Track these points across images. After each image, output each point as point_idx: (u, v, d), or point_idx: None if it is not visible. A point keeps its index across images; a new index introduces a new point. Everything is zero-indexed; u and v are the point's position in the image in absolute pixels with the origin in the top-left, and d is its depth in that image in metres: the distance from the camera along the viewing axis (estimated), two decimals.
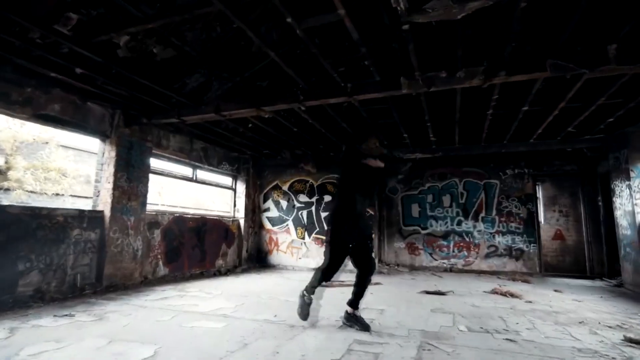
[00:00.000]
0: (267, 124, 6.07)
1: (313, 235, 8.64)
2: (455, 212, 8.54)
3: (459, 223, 8.48)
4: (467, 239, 8.39)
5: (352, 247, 3.32)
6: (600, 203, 7.57)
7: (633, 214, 5.73)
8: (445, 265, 8.47)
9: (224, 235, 7.96)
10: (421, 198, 8.82)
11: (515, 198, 8.16)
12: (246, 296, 4.93)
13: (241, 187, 8.78)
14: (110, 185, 5.33)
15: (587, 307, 4.50)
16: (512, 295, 5.19)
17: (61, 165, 10.71)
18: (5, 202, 8.51)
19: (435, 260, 8.59)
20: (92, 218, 5.13)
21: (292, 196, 8.93)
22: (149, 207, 6.02)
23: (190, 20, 3.42)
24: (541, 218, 8.69)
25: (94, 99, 5.14)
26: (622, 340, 3.08)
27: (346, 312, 3.37)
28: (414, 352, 2.72)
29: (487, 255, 8.22)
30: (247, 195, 8.80)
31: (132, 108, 5.45)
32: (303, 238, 8.70)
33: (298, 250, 8.71)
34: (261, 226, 9.15)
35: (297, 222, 8.81)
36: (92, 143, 5.78)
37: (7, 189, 9.44)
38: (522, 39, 3.36)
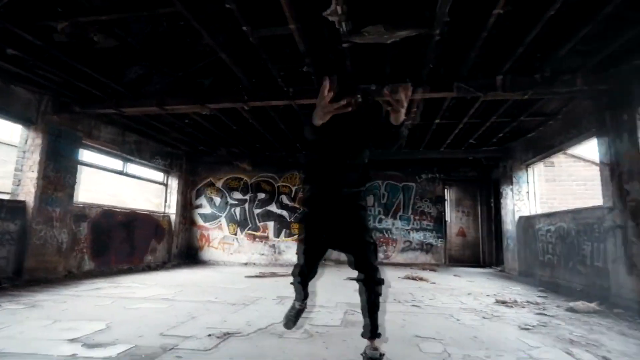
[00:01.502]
0: (206, 120, 6.24)
1: (246, 231, 8.88)
2: (377, 211, 9.46)
3: (380, 221, 9.42)
4: (387, 236, 9.36)
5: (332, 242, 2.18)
6: (492, 204, 9.07)
7: (513, 212, 7.09)
8: None
9: (154, 230, 7.82)
10: None
11: (428, 199, 9.34)
12: (183, 285, 5.06)
13: (173, 183, 8.67)
14: (34, 175, 5.04)
15: (475, 285, 5.54)
16: (421, 279, 6.10)
17: None
18: None
19: None
20: (11, 208, 4.81)
21: (226, 193, 9.07)
22: (77, 199, 5.77)
23: (147, 16, 3.56)
24: (448, 217, 10.04)
25: (20, 82, 4.85)
26: (494, 302, 4.00)
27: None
28: (341, 315, 3.27)
29: (403, 250, 9.27)
30: (180, 191, 8.72)
31: (64, 95, 5.23)
32: (235, 234, 8.89)
33: (230, 246, 8.87)
34: (193, 222, 9.11)
35: (230, 219, 8.97)
36: (12, 128, 5.37)
37: None
38: (437, 64, 4.15)
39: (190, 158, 8.91)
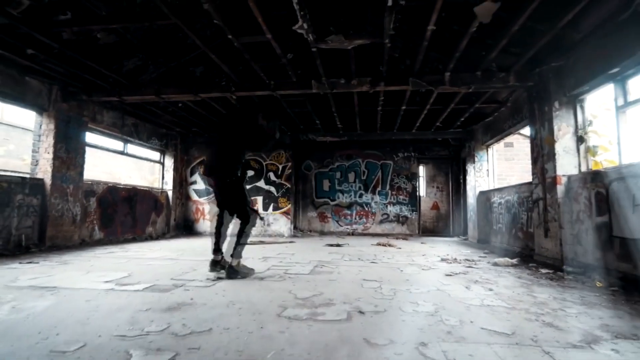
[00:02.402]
0: (198, 105, 6.94)
1: None
2: (357, 187, 10.36)
3: (360, 196, 10.34)
4: (366, 209, 10.31)
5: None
6: (461, 181, 10.00)
7: (475, 188, 8.02)
8: (348, 230, 10.31)
9: (153, 205, 8.63)
10: (331, 175, 10.47)
11: (404, 176, 10.24)
12: (184, 250, 5.95)
13: (169, 162, 9.41)
14: (50, 156, 5.78)
15: (433, 250, 6.51)
16: (390, 245, 7.06)
17: None
18: None
19: (341, 226, 10.38)
20: (33, 185, 5.58)
21: None
22: (85, 177, 6.53)
23: (148, 26, 4.24)
24: (422, 192, 10.99)
25: (33, 74, 5.49)
26: (439, 260, 4.96)
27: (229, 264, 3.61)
28: (311, 268, 4.18)
29: (381, 222, 10.25)
30: (175, 169, 9.48)
31: (71, 85, 5.89)
32: None
33: None
34: (188, 197, 9.93)
35: None
36: (26, 115, 6.04)
37: None
38: (394, 62, 4.90)
39: (184, 139, 9.62)
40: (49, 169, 5.74)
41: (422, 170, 10.66)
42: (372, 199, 10.31)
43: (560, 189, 4.53)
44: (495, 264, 4.65)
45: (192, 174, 9.96)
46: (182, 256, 5.11)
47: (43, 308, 2.44)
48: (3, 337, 1.88)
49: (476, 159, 8.01)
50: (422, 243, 7.86)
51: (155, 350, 1.72)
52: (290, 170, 9.66)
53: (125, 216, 7.62)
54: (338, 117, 7.30)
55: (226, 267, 3.59)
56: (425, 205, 11.17)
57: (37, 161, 5.78)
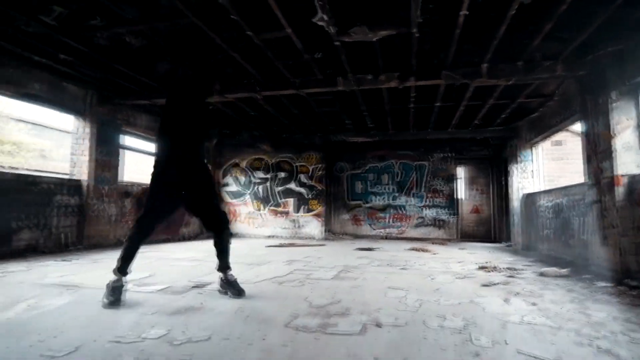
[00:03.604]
0: (228, 107, 6.96)
1: (269, 207, 9.72)
2: (392, 189, 9.98)
3: (395, 198, 9.95)
4: (401, 212, 9.90)
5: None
6: (503, 183, 9.32)
7: (519, 190, 7.40)
8: (382, 233, 9.95)
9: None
10: (364, 176, 10.17)
11: (440, 178, 9.73)
12: (212, 251, 5.90)
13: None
14: (87, 158, 6.02)
15: (472, 256, 6.04)
16: (424, 250, 6.66)
17: (17, 139, 10.79)
18: None
19: (375, 229, 10.04)
20: (71, 186, 5.83)
21: (250, 173, 9.91)
22: (121, 179, 6.75)
23: (169, 25, 4.25)
24: (462, 195, 10.39)
25: (70, 79, 5.75)
26: (477, 268, 4.54)
27: (220, 278, 2.95)
28: (335, 273, 3.95)
29: (417, 225, 9.79)
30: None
31: (106, 89, 6.10)
32: (260, 210, 9.75)
33: (255, 221, 9.77)
34: (221, 199, 10.04)
35: (255, 196, 9.83)
36: (62, 118, 6.36)
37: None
38: (425, 55, 4.58)
39: (217, 141, 9.77)
40: (86, 171, 5.98)
41: (460, 171, 10.08)
42: (407, 201, 9.88)
43: (619, 190, 3.97)
44: (542, 275, 4.17)
45: (224, 176, 10.08)
46: (208, 257, 5.07)
47: (55, 307, 2.43)
48: (3, 337, 1.85)
49: (520, 159, 7.39)
50: (460, 249, 7.36)
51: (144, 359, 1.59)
52: (321, 172, 9.49)
53: None
54: (368, 116, 7.03)
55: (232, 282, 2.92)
56: (465, 208, 10.55)
57: (75, 163, 6.04)
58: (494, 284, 3.56)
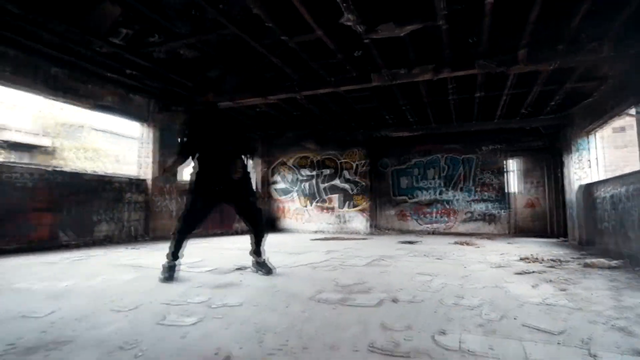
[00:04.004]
0: (273, 108, 7.40)
1: (315, 203, 10.07)
2: (438, 184, 9.83)
3: (441, 193, 9.78)
4: (448, 207, 9.71)
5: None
6: (560, 174, 8.75)
7: (575, 181, 6.95)
8: (429, 229, 9.83)
9: None
10: (409, 171, 10.12)
11: (490, 171, 9.39)
12: None
13: (252, 163, 10.20)
14: (150, 160, 6.79)
15: (518, 249, 5.83)
16: (468, 244, 6.55)
17: (97, 146, 12.31)
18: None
19: (421, 225, 9.95)
20: (138, 184, 6.62)
21: (297, 170, 10.33)
22: (180, 178, 7.48)
23: (216, 35, 4.72)
24: (514, 188, 9.90)
25: (136, 91, 6.54)
26: (517, 259, 4.44)
27: (252, 261, 3.41)
28: (369, 261, 4.14)
29: (465, 220, 9.55)
30: (258, 170, 10.24)
31: (165, 98, 6.83)
32: (306, 206, 10.14)
33: (302, 216, 10.17)
34: (270, 196, 10.61)
35: (301, 193, 10.24)
36: (132, 126, 7.21)
37: (56, 167, 11.06)
38: (457, 45, 4.58)
39: (264, 141, 10.34)
40: (150, 171, 6.74)
41: (512, 164, 9.62)
42: (455, 196, 9.67)
43: None
44: (587, 265, 3.99)
45: (272, 174, 10.62)
46: None
47: (123, 281, 2.92)
48: (86, 297, 2.32)
49: (575, 148, 6.93)
50: (508, 243, 7.10)
51: (186, 315, 1.94)
52: (364, 168, 9.63)
53: (215, 212, 8.44)
54: (408, 110, 7.06)
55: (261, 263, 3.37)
56: (519, 202, 10.04)
57: (141, 165, 6.84)
58: (529, 273, 3.51)
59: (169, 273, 2.93)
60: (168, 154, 7.03)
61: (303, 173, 10.27)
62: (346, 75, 5.40)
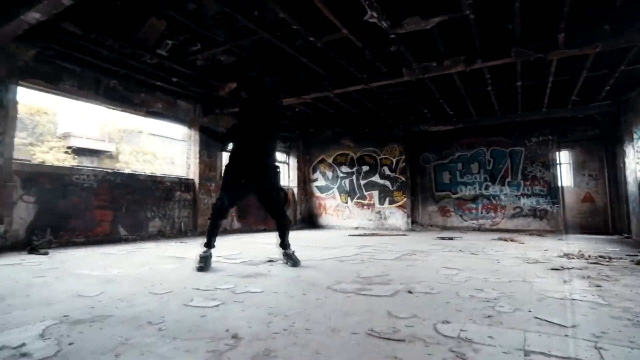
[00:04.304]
0: (308, 107, 7.59)
1: (354, 200, 10.14)
2: (482, 178, 9.44)
3: (487, 188, 9.38)
4: (494, 202, 9.29)
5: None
6: (622, 165, 8.01)
7: (635, 172, 6.36)
8: (474, 225, 9.48)
9: None
10: (451, 166, 9.82)
11: (539, 163, 8.83)
12: (297, 238, 6.58)
13: (293, 162, 10.51)
14: (196, 161, 7.29)
15: (566, 246, 5.48)
16: (512, 240, 6.26)
17: (153, 149, 13.38)
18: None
19: (465, 221, 9.63)
20: (186, 184, 7.14)
21: (336, 167, 10.46)
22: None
23: (251, 40, 4.98)
24: (568, 181, 9.25)
25: (182, 97, 7.05)
26: (559, 256, 4.21)
27: (281, 253, 3.61)
28: (399, 255, 4.17)
29: (513, 216, 9.08)
30: (298, 168, 10.52)
31: (208, 102, 7.29)
32: (346, 202, 10.24)
33: (342, 213, 10.29)
34: (311, 193, 10.84)
35: (341, 190, 10.36)
36: (179, 130, 7.76)
37: (114, 169, 12.21)
38: (489, 33, 4.43)
39: (304, 140, 10.58)
40: (196, 171, 7.24)
41: (565, 155, 8.99)
42: (501, 190, 9.22)
43: None
44: (637, 262, 3.69)
45: (313, 172, 10.85)
46: (291, 242, 5.73)
47: (165, 269, 3.25)
48: (131, 282, 2.65)
49: (635, 136, 6.33)
50: (558, 239, 6.68)
51: (211, 299, 2.16)
52: (404, 164, 9.51)
53: (258, 210, 8.87)
54: (445, 103, 6.89)
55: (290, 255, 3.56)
56: (574, 197, 9.37)
57: (188, 165, 7.37)
58: (566, 269, 3.35)
59: (203, 263, 3.19)
60: (211, 155, 7.51)
61: (342, 170, 10.38)
62: (376, 72, 5.43)
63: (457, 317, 1.86)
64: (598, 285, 2.65)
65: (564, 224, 8.60)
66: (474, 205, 9.55)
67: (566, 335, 1.62)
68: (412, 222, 9.79)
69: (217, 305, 2.02)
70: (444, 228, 9.77)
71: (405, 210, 9.46)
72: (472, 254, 4.41)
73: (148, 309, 1.94)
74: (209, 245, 3.34)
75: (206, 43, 5.29)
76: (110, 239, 5.67)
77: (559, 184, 8.65)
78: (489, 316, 1.89)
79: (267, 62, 6.16)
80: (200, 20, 4.83)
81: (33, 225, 4.90)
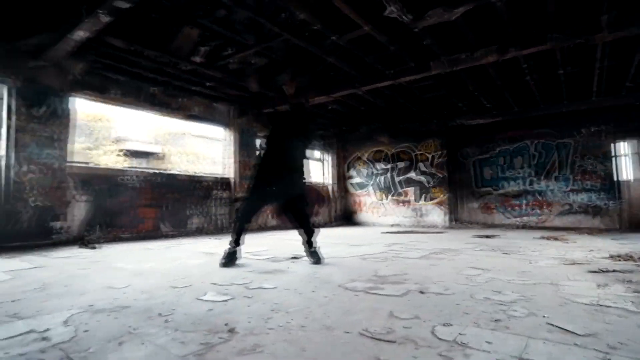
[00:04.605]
0: (340, 105, 7.59)
1: (390, 197, 9.99)
2: (527, 173, 8.88)
3: (532, 183, 8.82)
4: (541, 198, 8.71)
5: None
6: None
7: None
8: (518, 223, 8.96)
9: (316, 197, 9.90)
10: (493, 161, 9.33)
11: (592, 156, 8.14)
12: (329, 236, 6.67)
13: (329, 159, 10.56)
14: (232, 160, 7.59)
15: (618, 247, 5.01)
16: (557, 239, 5.85)
17: (196, 150, 14.07)
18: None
19: (509, 218, 9.13)
20: (223, 182, 7.46)
21: (372, 164, 10.37)
22: None
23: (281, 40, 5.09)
24: (628, 175, 8.41)
25: (218, 100, 7.36)
26: (604, 257, 3.87)
27: (305, 250, 3.70)
28: (426, 254, 4.08)
29: (561, 213, 8.46)
30: (334, 165, 10.56)
31: (242, 104, 7.54)
32: (382, 200, 10.13)
33: (378, 210, 10.20)
34: (347, 191, 10.85)
35: (377, 186, 10.26)
36: (216, 131, 8.12)
37: (166, 170, 12.99)
38: (523, 19, 4.17)
39: (339, 137, 10.59)
40: (233, 170, 7.54)
41: (622, 147, 8.18)
42: (548, 186, 8.62)
43: None
44: None
45: (348, 169, 10.83)
46: (319, 239, 5.79)
47: (193, 264, 3.45)
48: (157, 276, 2.85)
49: None
50: (612, 239, 6.11)
51: (223, 294, 2.27)
52: (441, 159, 9.22)
53: None
54: (481, 95, 6.58)
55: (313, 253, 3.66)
56: (634, 192, 8.50)
57: (225, 165, 7.69)
58: (606, 271, 3.08)
59: (228, 259, 3.35)
60: (247, 154, 7.77)
61: (378, 167, 10.27)
62: (404, 67, 5.32)
63: (461, 320, 1.80)
64: (637, 291, 2.42)
65: (621, 222, 7.86)
66: (518, 202, 9.03)
67: (575, 345, 1.52)
68: (453, 220, 9.46)
69: (226, 300, 2.12)
70: (486, 225, 9.33)
71: (443, 207, 9.17)
72: (505, 253, 4.20)
73: (163, 301, 2.09)
74: (236, 242, 3.50)
75: (237, 47, 5.48)
76: (153, 235, 6.09)
77: (617, 178, 7.92)
78: (496, 320, 1.81)
79: (297, 62, 6.26)
80: (231, 25, 5.01)
81: (86, 222, 5.39)
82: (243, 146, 7.71)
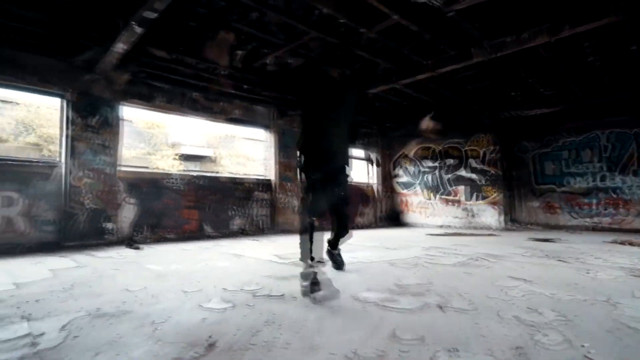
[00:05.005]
0: (382, 101, 7.30)
1: (439, 195, 9.44)
2: (598, 167, 7.84)
3: (604, 178, 7.77)
4: (615, 196, 7.65)
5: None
6: None
7: None
8: (587, 223, 7.96)
9: (360, 198, 9.67)
10: (556, 155, 8.38)
11: None
12: (368, 237, 6.47)
13: (373, 158, 10.26)
14: (273, 161, 7.65)
15: None
16: (631, 244, 5.06)
17: (246, 153, 14.54)
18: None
19: (575, 218, 8.14)
20: (264, 184, 7.56)
21: (418, 162, 9.89)
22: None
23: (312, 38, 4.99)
24: None
25: (258, 102, 7.46)
26: None
27: (326, 249, 3.23)
28: (464, 260, 3.73)
29: None
30: (379, 164, 10.23)
31: (282, 105, 7.57)
32: (430, 199, 9.61)
33: (426, 210, 9.69)
34: (393, 190, 10.46)
35: (424, 185, 9.75)
36: (259, 133, 8.25)
37: (217, 172, 13.59)
38: None
39: (383, 135, 10.24)
40: (274, 172, 7.60)
41: None
42: (625, 182, 7.53)
43: None
44: None
45: (394, 167, 10.44)
46: (356, 241, 5.59)
47: (217, 266, 3.48)
48: (176, 278, 2.89)
49: None
50: None
51: (226, 301, 2.21)
52: (494, 155, 8.48)
53: None
54: (537, 82, 5.90)
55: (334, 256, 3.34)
56: None
57: (266, 166, 7.78)
58: None
59: (313, 283, 2.33)
60: (288, 155, 7.80)
61: (425, 164, 9.76)
62: (442, 56, 4.93)
63: (472, 346, 1.54)
64: None
65: None
66: (587, 200, 8.01)
67: None
68: (509, 221, 8.67)
69: (224, 309, 2.06)
70: (548, 227, 8.42)
71: (497, 207, 8.45)
72: (559, 260, 3.68)
73: (165, 307, 2.08)
74: (309, 258, 2.63)
75: (272, 48, 5.47)
76: (196, 235, 6.34)
77: None
78: (517, 348, 1.53)
79: (334, 60, 6.10)
80: (264, 27, 5.01)
81: (135, 223, 5.75)
82: (284, 147, 7.74)
